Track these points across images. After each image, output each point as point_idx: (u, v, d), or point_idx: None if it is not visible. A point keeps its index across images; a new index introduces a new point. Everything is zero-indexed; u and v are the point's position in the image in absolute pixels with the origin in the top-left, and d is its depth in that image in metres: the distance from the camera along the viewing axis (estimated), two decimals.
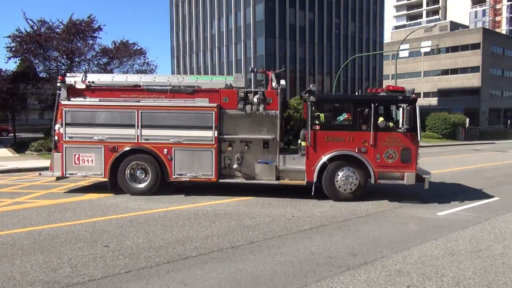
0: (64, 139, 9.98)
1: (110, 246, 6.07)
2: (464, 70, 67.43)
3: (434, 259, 5.71)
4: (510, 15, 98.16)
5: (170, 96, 9.93)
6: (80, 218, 7.76)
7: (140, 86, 10.03)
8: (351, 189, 9.64)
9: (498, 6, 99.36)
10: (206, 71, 56.73)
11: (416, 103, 9.59)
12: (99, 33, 27.05)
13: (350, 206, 9.08)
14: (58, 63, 26.76)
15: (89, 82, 10.12)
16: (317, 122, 9.73)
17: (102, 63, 27.80)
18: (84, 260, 5.44)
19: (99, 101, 9.97)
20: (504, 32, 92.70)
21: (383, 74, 62.69)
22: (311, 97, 9.65)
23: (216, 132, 9.77)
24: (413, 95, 9.77)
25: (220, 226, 7.24)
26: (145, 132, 9.86)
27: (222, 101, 9.85)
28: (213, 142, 9.80)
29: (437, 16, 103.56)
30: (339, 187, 9.65)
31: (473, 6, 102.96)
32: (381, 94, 10.47)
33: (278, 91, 9.92)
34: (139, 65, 29.13)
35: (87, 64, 27.11)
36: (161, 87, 10.00)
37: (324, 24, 52.68)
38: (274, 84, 10.22)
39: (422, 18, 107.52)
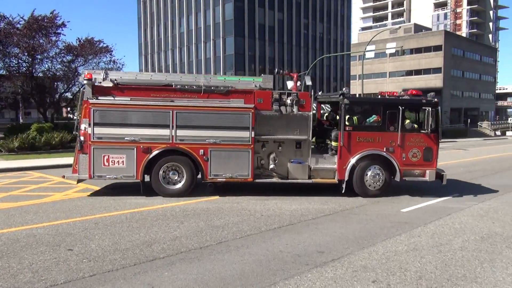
0: (92, 140, 9.41)
1: (74, 249, 5.89)
2: (427, 71, 69.89)
3: (398, 255, 5.88)
4: (470, 19, 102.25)
5: (204, 96, 9.79)
6: (42, 221, 7.48)
7: (171, 85, 9.78)
8: (378, 186, 10.19)
9: (458, 10, 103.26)
10: (174, 69, 56.04)
11: (438, 107, 10.37)
12: (62, 30, 26.26)
13: (318, 205, 9.22)
14: (19, 60, 25.76)
15: (111, 80, 9.68)
16: (348, 123, 10.09)
17: (66, 61, 26.97)
18: (46, 265, 5.26)
19: (130, 100, 9.58)
20: (464, 35, 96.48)
21: (351, 74, 63.97)
22: (345, 99, 10.06)
23: (253, 132, 9.79)
24: (435, 99, 10.50)
25: (188, 227, 7.18)
26: (180, 132, 9.63)
27: (256, 102, 9.89)
28: (250, 143, 9.80)
29: (402, 19, 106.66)
30: (369, 185, 10.16)
31: (436, 9, 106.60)
32: (405, 97, 10.97)
33: (311, 93, 10.32)
34: (105, 63, 28.47)
35: (50, 61, 26.25)
36: (195, 87, 9.81)
37: (293, 24, 53.18)
38: (298, 85, 10.42)
39: (387, 20, 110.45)
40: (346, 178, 10.10)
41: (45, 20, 25.15)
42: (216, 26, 49.54)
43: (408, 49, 71.11)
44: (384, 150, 10.13)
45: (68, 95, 30.38)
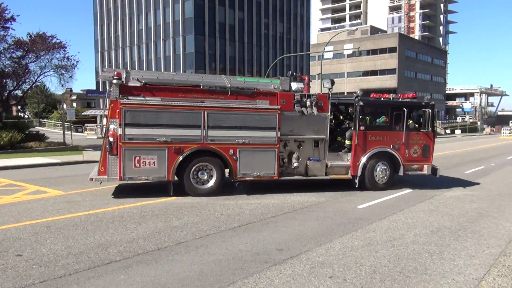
0: (123, 141, 9.15)
1: (23, 255, 5.61)
2: (382, 72, 72.44)
3: (354, 250, 6.05)
4: (422, 22, 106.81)
5: (232, 97, 9.96)
6: None
7: (199, 86, 9.85)
8: (385, 180, 11.21)
9: (412, 14, 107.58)
10: (133, 66, 54.67)
11: (435, 108, 11.72)
12: (11, 24, 24.81)
13: (278, 203, 9.31)
14: None
15: (138, 80, 9.52)
16: (361, 123, 10.92)
17: (15, 57, 25.58)
18: None
19: (161, 100, 9.46)
20: (417, 37, 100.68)
21: (310, 74, 65.09)
22: (360, 101, 10.91)
23: (279, 132, 10.16)
24: (432, 102, 11.75)
25: (146, 228, 7.03)
26: (211, 133, 9.71)
27: (280, 103, 10.25)
28: (276, 142, 10.18)
29: (359, 21, 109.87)
30: (378, 179, 11.14)
31: (390, 12, 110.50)
32: (406, 100, 11.92)
33: (330, 95, 10.82)
34: (58, 60, 27.22)
35: None
36: (221, 88, 9.91)
37: (254, 23, 53.38)
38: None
39: (345, 21, 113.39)
40: (359, 174, 10.93)
41: None
42: (175, 24, 48.81)
43: (364, 50, 73.37)
44: (391, 147, 11.17)
45: (18, 92, 28.86)
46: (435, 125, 11.63)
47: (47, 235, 6.52)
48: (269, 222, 7.60)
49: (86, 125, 52.41)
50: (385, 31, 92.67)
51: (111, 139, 9.12)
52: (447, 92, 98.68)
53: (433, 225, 7.59)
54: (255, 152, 10.08)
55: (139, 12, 53.44)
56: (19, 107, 40.15)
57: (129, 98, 9.25)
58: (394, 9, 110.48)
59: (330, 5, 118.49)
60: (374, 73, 73.85)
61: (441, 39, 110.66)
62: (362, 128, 10.88)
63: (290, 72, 11.78)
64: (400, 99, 11.91)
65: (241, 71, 51.71)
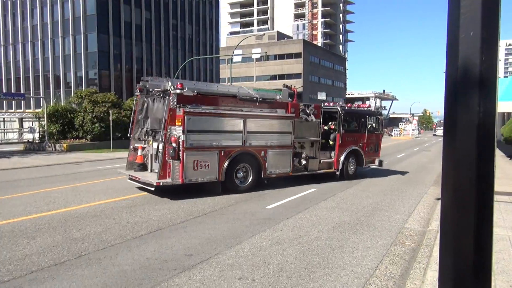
0: (185, 146, 9.74)
1: None
2: (289, 76, 75.62)
3: (262, 250, 6.20)
4: (324, 30, 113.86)
5: (260, 106, 11.54)
6: None
7: (236, 96, 11.22)
8: (353, 171, 14.24)
9: (315, 22, 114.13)
10: (26, 65, 49.74)
11: (382, 115, 15.90)
12: None
13: (187, 207, 9.18)
14: None
15: (191, 89, 10.39)
16: (342, 128, 13.68)
17: None
18: None
19: (214, 109, 10.51)
20: (320, 44, 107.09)
21: (220, 77, 65.45)
22: (342, 111, 13.65)
23: (293, 136, 12.15)
24: (380, 111, 16.48)
25: (41, 242, 6.42)
26: (248, 137, 11.05)
27: (291, 111, 12.22)
28: (291, 144, 12.17)
29: (266, 26, 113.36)
30: (350, 171, 14.07)
31: (295, 19, 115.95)
32: (365, 109, 15.61)
33: (322, 105, 13.67)
34: None
35: None
36: (250, 98, 11.43)
37: (161, 24, 52.02)
38: (290, 98, 12.81)
39: (254, 26, 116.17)
40: (340, 167, 13.68)
41: None
42: (76, 20, 45.46)
43: (272, 55, 75.98)
44: (358, 146, 14.27)
45: None
46: (382, 128, 15.57)
47: None
48: (178, 228, 7.45)
49: None
50: (291, 37, 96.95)
51: (174, 144, 9.67)
52: (346, 96, 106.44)
53: (335, 221, 8.11)
54: (277, 153, 11.83)
55: (33, 6, 48.73)
56: None
57: (188, 106, 9.92)
58: (298, 16, 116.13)
59: (238, 10, 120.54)
60: (281, 77, 76.77)
61: (341, 46, 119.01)
62: (342, 131, 13.67)
63: (284, 84, 13.68)
64: (361, 109, 15.33)
65: (148, 72, 49.96)
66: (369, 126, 14.57)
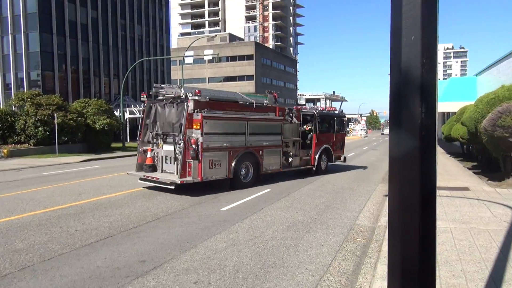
0: (203, 147, 10.83)
1: None
2: (241, 78, 75.95)
3: (218, 252, 6.16)
4: (275, 33, 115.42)
5: (256, 110, 12.83)
6: None
7: (237, 101, 12.53)
8: (325, 167, 16.13)
9: (266, 24, 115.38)
10: None
11: (345, 117, 17.96)
12: None
13: (140, 212, 8.93)
14: None
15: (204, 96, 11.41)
16: (317, 129, 15.52)
17: None
18: None
19: (223, 113, 11.67)
20: (271, 46, 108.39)
21: (172, 78, 64.39)
22: (318, 114, 15.65)
23: (282, 136, 13.64)
24: (344, 113, 17.91)
25: None
26: (250, 138, 12.39)
27: (279, 114, 13.67)
28: (281, 144, 13.63)
29: (218, 28, 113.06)
30: (323, 167, 15.94)
31: (247, 21, 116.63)
32: (333, 112, 17.63)
33: (302, 109, 15.84)
34: None
35: None
36: (250, 103, 12.78)
37: (109, 24, 50.26)
38: (275, 102, 14.06)
39: (205, 27, 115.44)
40: (316, 163, 15.42)
41: None
42: (15, 18, 42.80)
43: (224, 56, 75.88)
44: (329, 145, 16.24)
45: None
46: (346, 128, 18.52)
47: None
48: (130, 234, 7.23)
49: None
50: (243, 39, 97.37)
51: (194, 146, 10.69)
52: (298, 97, 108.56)
53: (289, 220, 8.24)
54: (271, 152, 13.17)
55: None
56: None
57: (204, 111, 10.98)
58: (249, 18, 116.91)
59: (189, 11, 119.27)
60: (233, 78, 76.92)
61: (291, 49, 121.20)
62: (318, 132, 15.37)
63: (268, 90, 14.64)
64: (331, 112, 17.37)
65: (96, 74, 48.11)
66: (336, 127, 16.57)
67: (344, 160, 17.58)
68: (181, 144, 10.87)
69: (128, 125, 44.71)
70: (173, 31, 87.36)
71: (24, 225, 7.76)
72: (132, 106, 48.32)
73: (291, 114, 14.50)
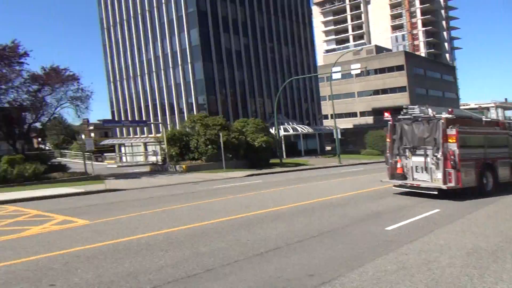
0: (461, 158, 12.23)
1: (56, 284, 5.57)
2: (393, 90, 72.28)
3: (388, 274, 5.85)
4: (426, 40, 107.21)
5: (486, 125, 14.28)
6: (21, 256, 7.08)
7: (471, 117, 14.20)
8: None
9: (414, 32, 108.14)
10: (145, 95, 55.47)
11: None
12: (26, 59, 25.47)
13: (302, 227, 9.17)
14: None
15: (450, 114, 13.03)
16: None
17: (32, 90, 26.18)
18: None
19: (468, 128, 13.11)
20: (423, 54, 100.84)
21: (320, 95, 65.25)
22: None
23: (508, 149, 14.44)
24: None
25: (173, 255, 6.95)
26: (487, 150, 13.43)
27: (502, 128, 14.93)
28: (510, 156, 14.47)
29: (363, 41, 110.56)
30: None
31: (393, 31, 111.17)
32: None
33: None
34: (73, 91, 27.77)
35: (15, 91, 25.39)
36: (480, 119, 14.37)
37: (259, 48, 54.03)
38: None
39: (349, 42, 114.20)
40: None
41: (6, 50, 24.42)
42: (183, 52, 49.59)
43: (372, 69, 73.60)
44: None
45: (38, 125, 29.47)
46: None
47: (78, 265, 6.50)
48: (296, 247, 7.44)
49: (105, 154, 53.20)
50: (390, 50, 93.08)
51: (452, 157, 12.12)
52: (461, 107, 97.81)
53: (468, 246, 7.31)
54: (502, 163, 14.01)
55: (146, 42, 54.43)
56: (39, 139, 40.82)
57: (457, 127, 12.44)
58: (396, 28, 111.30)
59: (333, 27, 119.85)
60: (384, 91, 73.74)
61: (447, 55, 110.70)
62: None
63: (478, 105, 16.28)
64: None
65: (251, 96, 52.17)
66: None
67: None
68: (438, 156, 12.38)
69: (283, 142, 46.92)
70: (318, 49, 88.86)
71: (205, 232, 8.75)
72: (285, 123, 50.63)
73: (510, 127, 15.19)
